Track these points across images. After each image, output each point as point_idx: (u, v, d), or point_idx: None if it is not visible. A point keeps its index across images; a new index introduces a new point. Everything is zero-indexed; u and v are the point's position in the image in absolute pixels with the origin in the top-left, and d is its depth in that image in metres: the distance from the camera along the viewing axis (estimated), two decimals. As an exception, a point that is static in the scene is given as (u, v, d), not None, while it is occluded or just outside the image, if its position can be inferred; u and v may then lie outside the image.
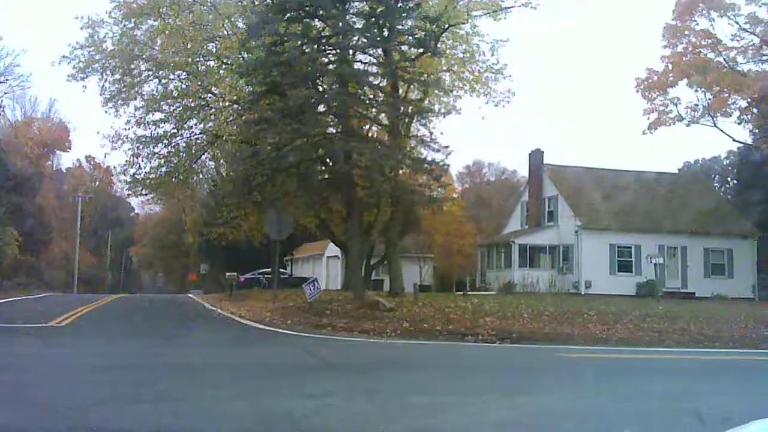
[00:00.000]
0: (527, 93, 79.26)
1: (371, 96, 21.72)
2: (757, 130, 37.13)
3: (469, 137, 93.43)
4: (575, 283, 32.93)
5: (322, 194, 22.61)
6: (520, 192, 42.78)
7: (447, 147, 21.04)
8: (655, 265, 29.62)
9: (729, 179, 49.81)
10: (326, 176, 22.72)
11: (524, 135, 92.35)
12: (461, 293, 31.37)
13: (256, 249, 40.16)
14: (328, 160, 22.23)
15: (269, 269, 33.35)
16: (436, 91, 25.68)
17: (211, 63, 27.66)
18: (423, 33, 20.13)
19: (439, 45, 22.15)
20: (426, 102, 22.92)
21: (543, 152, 37.77)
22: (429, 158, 21.92)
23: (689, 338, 16.55)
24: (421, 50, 22.26)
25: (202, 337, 16.01)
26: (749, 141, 36.90)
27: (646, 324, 18.00)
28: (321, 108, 21.80)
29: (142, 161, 28.42)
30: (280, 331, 17.44)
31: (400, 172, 24.72)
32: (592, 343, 15.69)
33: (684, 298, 30.34)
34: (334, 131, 21.91)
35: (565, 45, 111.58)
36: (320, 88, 21.69)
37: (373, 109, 22.45)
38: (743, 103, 30.85)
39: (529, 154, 38.38)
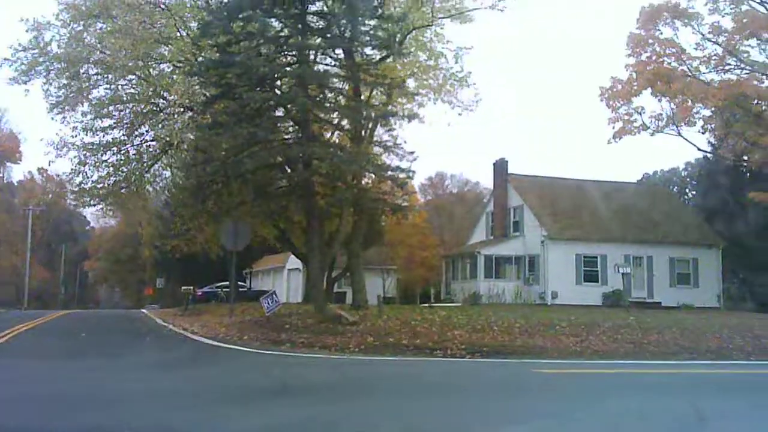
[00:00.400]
0: (492, 102, 79.67)
1: (333, 100, 20.69)
2: (714, 142, 37.29)
3: (432, 148, 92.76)
4: (541, 293, 32.35)
5: (280, 203, 21.40)
6: (485, 202, 42.24)
7: (412, 153, 20.18)
8: (622, 274, 29.19)
9: (687, 190, 50.20)
10: (285, 184, 21.51)
11: (488, 145, 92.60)
12: (426, 305, 30.47)
13: (214, 261, 38.72)
14: (286, 167, 21.06)
15: (227, 282, 31.94)
16: (400, 99, 24.89)
17: (164, 67, 26.35)
18: (386, 33, 19.22)
19: (402, 50, 21.24)
20: (390, 107, 21.90)
21: (507, 162, 37.31)
22: (393, 165, 20.97)
23: (665, 350, 15.88)
24: (384, 53, 21.38)
25: (147, 356, 14.64)
26: (711, 150, 36.98)
27: (619, 335, 17.30)
28: (279, 112, 20.70)
29: (89, 170, 26.84)
30: (235, 347, 16.22)
31: (364, 179, 23.77)
32: (566, 356, 14.87)
33: (650, 307, 29.98)
34: (293, 137, 20.79)
35: (530, 54, 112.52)
36: (278, 92, 20.59)
37: (335, 114, 21.42)
38: (707, 113, 30.76)
39: (494, 164, 37.85)
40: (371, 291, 27.79)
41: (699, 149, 37.44)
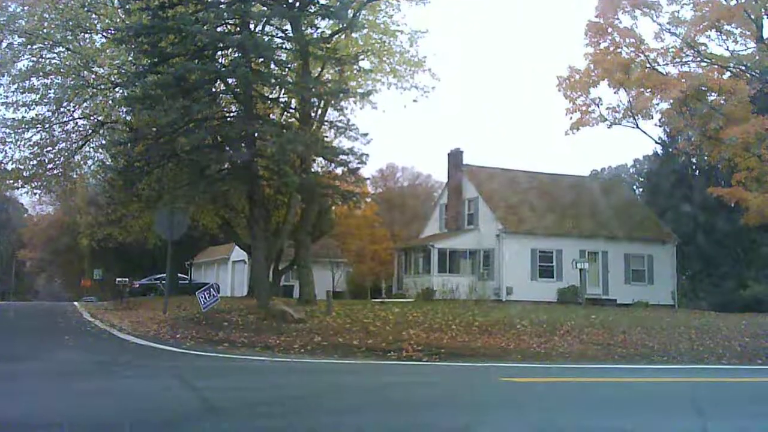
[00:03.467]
0: (447, 92, 77.92)
1: (279, 75, 18.90)
2: (668, 136, 36.92)
3: (384, 139, 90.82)
4: (496, 289, 31.26)
5: (220, 188, 19.47)
6: (439, 193, 41.00)
7: (365, 135, 18.57)
8: (580, 270, 28.32)
9: (636, 185, 50.01)
10: (225, 167, 19.57)
11: (443, 137, 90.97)
12: (378, 300, 29.00)
13: (153, 252, 36.37)
14: (227, 147, 19.18)
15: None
16: (353, 83, 23.31)
17: (97, 38, 24.10)
18: (339, 2, 17.56)
19: (355, 21, 19.59)
20: (342, 85, 20.21)
21: (462, 152, 36.06)
22: (345, 148, 19.31)
23: (634, 352, 14.77)
24: (336, 26, 19.70)
25: (51, 360, 12.58)
26: (668, 143, 36.54)
27: (585, 336, 16.15)
28: (220, 87, 18.80)
29: (11, 149, 24.39)
30: (165, 348, 14.37)
31: (313, 165, 22.09)
32: (531, 359, 13.57)
33: (605, 304, 29.24)
34: (234, 114, 18.91)
35: (489, 43, 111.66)
36: (218, 64, 18.64)
37: (282, 91, 19.64)
38: (665, 106, 30.10)
39: (449, 154, 36.56)
40: (320, 285, 26.22)
41: (657, 142, 37.04)
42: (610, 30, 30.37)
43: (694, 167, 40.42)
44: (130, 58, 20.22)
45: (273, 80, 18.25)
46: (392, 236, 55.25)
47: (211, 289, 18.65)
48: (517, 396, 9.22)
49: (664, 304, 31.42)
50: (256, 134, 17.05)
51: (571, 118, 31.52)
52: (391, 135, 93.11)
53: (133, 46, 17.72)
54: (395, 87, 25.21)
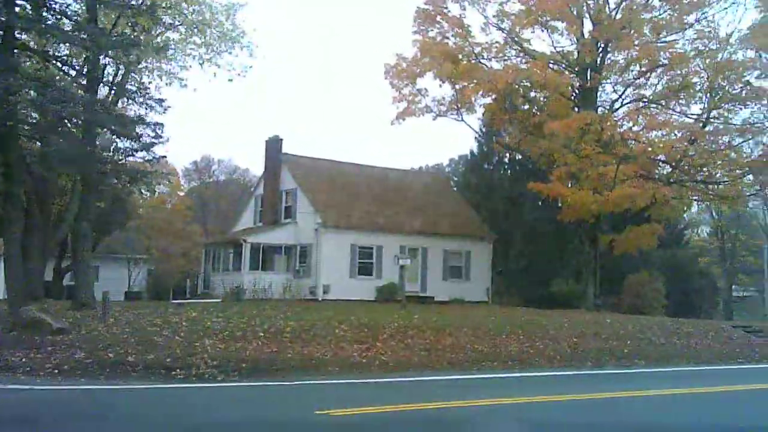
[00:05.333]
0: (269, 78, 73.79)
1: (53, 21, 15.04)
2: (489, 131, 37.17)
3: (198, 130, 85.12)
4: (312, 287, 29.05)
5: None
6: (255, 184, 37.98)
7: (162, 101, 15.31)
8: (401, 267, 26.96)
9: (457, 180, 50.60)
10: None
11: (263, 128, 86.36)
12: (177, 302, 25.44)
13: None
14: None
15: None
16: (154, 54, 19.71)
17: None
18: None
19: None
20: (134, 37, 16.59)
21: (282, 140, 33.40)
22: (136, 117, 15.84)
23: (464, 357, 13.27)
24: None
25: None
26: (490, 137, 36.62)
27: (410, 339, 14.38)
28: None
29: None
30: None
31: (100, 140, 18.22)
32: (351, 370, 11.47)
33: (423, 302, 28.28)
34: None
35: (313, 29, 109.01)
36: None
37: (59, 43, 15.73)
38: (488, 100, 29.77)
39: (267, 142, 33.70)
40: (115, 284, 22.25)
41: (479, 135, 37.02)
42: (439, 18, 29.44)
43: (511, 165, 41.18)
44: None
45: (44, 26, 14.32)
46: (206, 233, 51.21)
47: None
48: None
49: (479, 301, 31.23)
50: (10, 91, 13.13)
51: (397, 108, 30.25)
52: (207, 125, 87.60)
53: None
54: (209, 64, 22.00)
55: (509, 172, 41.20)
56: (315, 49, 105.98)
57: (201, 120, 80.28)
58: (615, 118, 26.97)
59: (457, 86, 29.27)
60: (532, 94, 29.41)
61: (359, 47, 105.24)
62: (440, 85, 30.01)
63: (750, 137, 25.04)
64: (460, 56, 28.23)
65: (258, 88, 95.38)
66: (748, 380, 12.65)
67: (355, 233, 30.41)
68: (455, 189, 41.20)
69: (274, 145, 33.15)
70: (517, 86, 27.71)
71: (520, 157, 38.81)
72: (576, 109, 27.15)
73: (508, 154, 40.11)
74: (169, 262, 46.13)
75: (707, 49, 24.41)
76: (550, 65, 27.11)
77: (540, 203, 37.03)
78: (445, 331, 15.47)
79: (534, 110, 29.09)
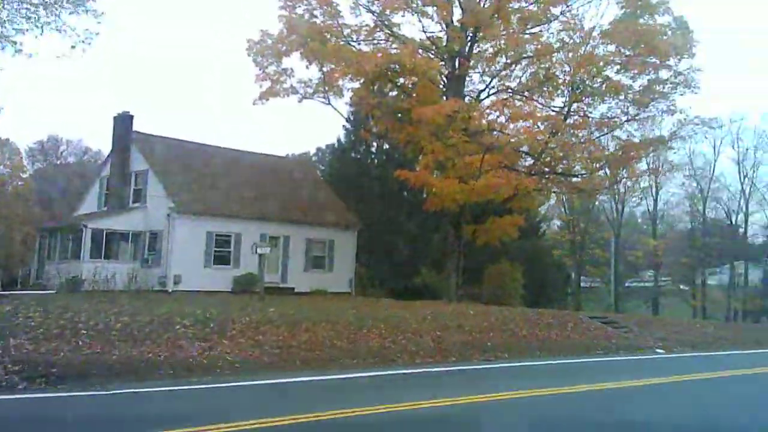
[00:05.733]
0: (123, 53, 68.09)
1: None
2: (353, 116, 36.20)
3: (45, 108, 77.43)
4: (162, 278, 26.64)
5: None
6: (100, 164, 34.55)
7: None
8: (260, 255, 25.25)
9: (323, 167, 49.24)
10: None
11: (116, 105, 79.98)
12: (6, 293, 22.23)
13: None
14: None
15: None
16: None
17: None
18: None
19: None
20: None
21: (132, 117, 30.45)
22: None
23: (320, 354, 12.08)
24: None
25: None
26: (358, 123, 35.53)
27: (262, 336, 12.92)
28: None
29: None
30: None
31: None
32: (187, 374, 9.90)
33: (283, 293, 26.89)
34: None
35: (177, 5, 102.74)
36: None
37: None
38: (356, 85, 28.62)
39: (115, 118, 30.60)
40: None
41: (348, 122, 35.83)
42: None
43: (379, 154, 40.46)
44: None
45: None
46: (51, 218, 46.48)
47: None
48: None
49: (342, 292, 30.25)
50: None
51: (260, 87, 28.32)
52: (56, 103, 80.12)
53: None
54: (50, 28, 19.04)
55: (377, 161, 40.51)
56: (177, 24, 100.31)
57: (49, 97, 73.10)
58: (482, 108, 26.84)
59: (324, 69, 27.91)
60: (401, 80, 28.64)
61: (224, 23, 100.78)
62: (307, 66, 28.48)
63: (607, 131, 25.78)
64: (328, 35, 26.89)
65: (113, 63, 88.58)
66: (620, 374, 12.40)
67: (212, 220, 28.35)
68: (322, 178, 39.93)
69: (123, 123, 30.19)
70: (385, 71, 26.81)
71: (388, 146, 38.23)
72: (444, 97, 26.71)
73: (375, 143, 39.41)
74: (9, 249, 41.50)
75: (571, 41, 24.77)
76: (420, 51, 26.45)
77: (406, 193, 36.64)
78: (301, 326, 14.14)
79: (402, 97, 28.35)
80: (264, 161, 33.94)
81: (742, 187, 52.44)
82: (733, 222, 54.30)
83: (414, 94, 27.54)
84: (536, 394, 9.14)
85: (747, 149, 51.63)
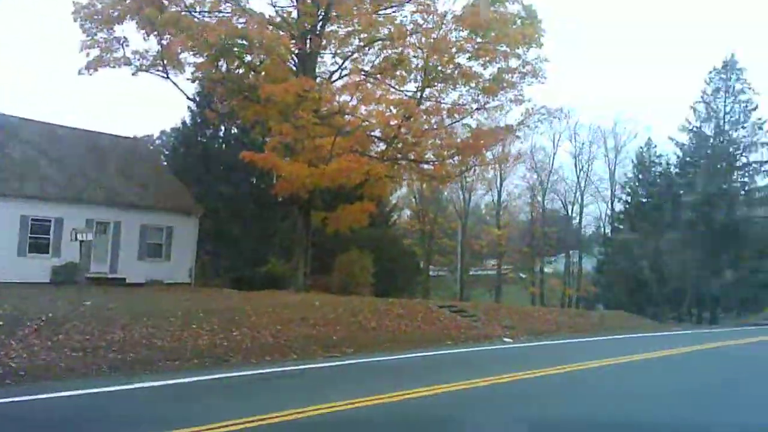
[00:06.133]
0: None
1: None
2: (197, 103, 33.72)
3: None
4: (-35, 269, 22.94)
5: None
6: None
7: None
8: (81, 242, 22.31)
9: (165, 151, 45.81)
10: None
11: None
12: None
13: None
14: None
15: None
16: None
17: None
18: None
19: None
20: None
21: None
22: None
23: (135, 357, 10.21)
24: None
25: None
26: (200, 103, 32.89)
27: (62, 335, 10.79)
28: None
29: None
30: None
31: None
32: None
33: (113, 284, 24.26)
34: None
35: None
36: None
37: None
38: (200, 60, 26.19)
39: None
40: None
41: (192, 100, 33.01)
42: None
43: (226, 136, 37.98)
44: None
45: None
46: None
47: None
48: None
49: (181, 283, 27.87)
50: None
51: (88, 55, 25.12)
52: None
53: None
54: None
55: (224, 145, 38.12)
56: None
57: None
58: (334, 89, 25.63)
59: (163, 41, 25.34)
60: (249, 58, 26.64)
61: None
62: (145, 38, 25.75)
63: (459, 119, 25.55)
64: (167, 2, 24.37)
65: None
66: (470, 370, 11.63)
67: (28, 203, 24.96)
68: (165, 162, 36.96)
69: None
70: (231, 45, 24.80)
71: (236, 129, 35.97)
72: (295, 77, 25.13)
73: (224, 126, 37.04)
74: None
75: (425, 24, 24.17)
76: (270, 27, 24.67)
77: (255, 180, 34.66)
78: (116, 323, 12.10)
79: (250, 75, 26.41)
80: (95, 140, 30.49)
81: (578, 180, 55.67)
82: (570, 213, 57.56)
83: (263, 73, 25.76)
84: (381, 402, 7.88)
85: (583, 144, 54.86)
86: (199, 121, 37.14)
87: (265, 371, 9.90)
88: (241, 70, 27.17)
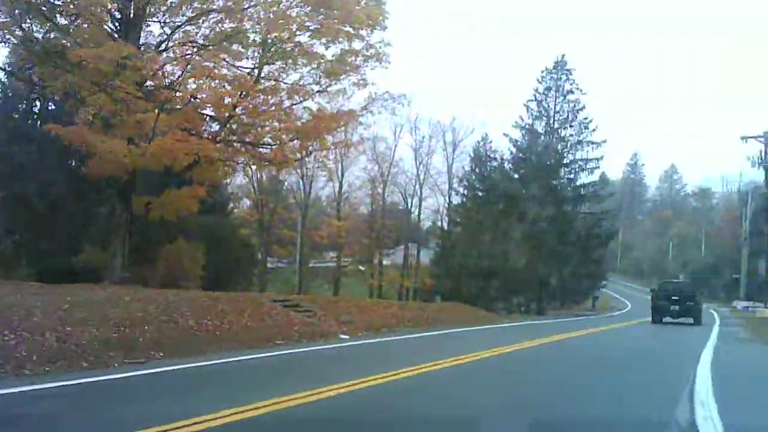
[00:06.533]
0: None
1: None
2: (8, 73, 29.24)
3: None
4: None
5: None
6: None
7: None
8: None
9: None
10: None
11: None
12: None
13: None
14: None
15: None
16: None
17: None
18: None
19: None
20: None
21: None
22: None
23: None
24: None
25: None
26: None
27: None
28: None
29: None
30: None
31: None
32: None
33: None
34: None
35: None
36: None
37: None
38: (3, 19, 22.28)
39: None
40: None
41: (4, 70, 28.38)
42: None
43: (42, 114, 33.31)
44: None
45: None
46: None
47: None
48: None
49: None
50: None
51: None
52: None
53: None
54: None
55: (39, 122, 33.47)
56: None
57: None
58: (161, 62, 23.06)
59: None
60: (61, 20, 23.21)
61: None
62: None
63: (299, 101, 24.03)
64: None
65: None
66: (298, 380, 10.23)
67: None
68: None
69: None
70: (39, 3, 21.45)
71: (54, 106, 31.57)
72: (115, 39, 22.17)
73: (38, 102, 32.49)
74: None
75: (265, -3, 22.25)
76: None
77: (74, 161, 30.65)
78: None
79: (60, 36, 23.01)
80: None
81: (418, 173, 56.37)
82: (409, 206, 58.17)
83: (75, 35, 22.54)
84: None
85: (423, 137, 55.60)
86: (10, 94, 32.45)
87: (37, 388, 7.77)
88: (53, 34, 23.68)
